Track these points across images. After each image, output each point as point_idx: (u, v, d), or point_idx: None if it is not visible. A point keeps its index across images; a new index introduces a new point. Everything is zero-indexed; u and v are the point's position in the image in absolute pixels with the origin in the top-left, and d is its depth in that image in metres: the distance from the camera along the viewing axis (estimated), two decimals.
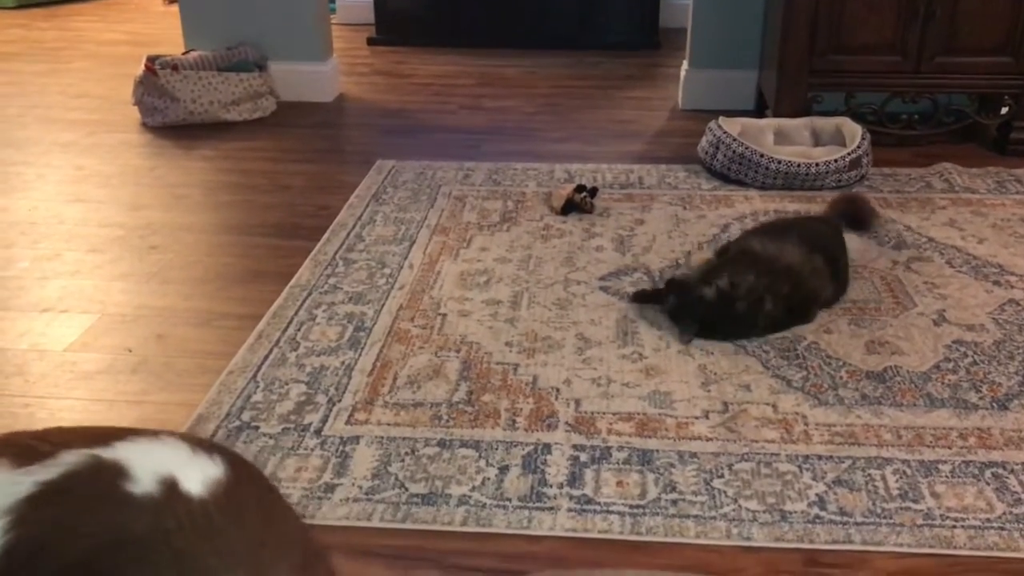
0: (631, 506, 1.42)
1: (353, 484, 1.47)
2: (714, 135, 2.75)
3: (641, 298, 2.02)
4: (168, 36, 4.53)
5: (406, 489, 1.46)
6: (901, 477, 1.48)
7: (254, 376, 1.76)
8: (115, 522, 0.74)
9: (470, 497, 1.44)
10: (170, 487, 0.76)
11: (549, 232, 2.40)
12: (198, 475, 0.78)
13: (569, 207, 2.50)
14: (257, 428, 1.61)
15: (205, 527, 0.75)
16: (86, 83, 3.91)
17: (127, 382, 1.76)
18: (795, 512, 1.40)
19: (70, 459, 0.78)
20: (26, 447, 0.82)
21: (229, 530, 0.76)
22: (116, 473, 0.77)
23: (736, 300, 1.86)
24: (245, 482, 0.83)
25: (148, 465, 0.78)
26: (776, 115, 2.96)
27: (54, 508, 0.75)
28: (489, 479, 1.48)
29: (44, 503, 0.75)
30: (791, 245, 1.99)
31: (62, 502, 0.76)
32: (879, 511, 1.40)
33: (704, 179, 2.76)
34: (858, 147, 2.67)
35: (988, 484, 1.46)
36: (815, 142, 2.85)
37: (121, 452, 0.79)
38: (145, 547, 0.73)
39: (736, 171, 2.69)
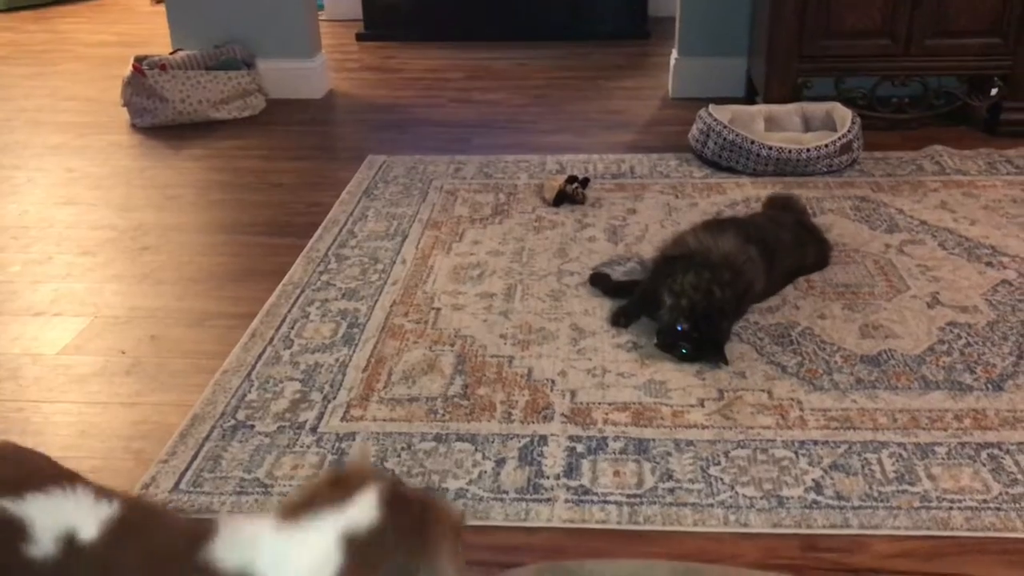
0: (628, 496, 1.42)
1: None
2: (705, 123, 2.74)
3: (604, 287, 2.02)
4: (156, 36, 4.51)
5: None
6: (897, 460, 1.48)
7: (248, 375, 1.76)
8: None
9: (467, 490, 1.44)
10: (68, 542, 0.84)
11: (541, 224, 2.40)
12: (94, 519, 0.86)
13: (561, 198, 2.49)
14: (252, 427, 1.61)
15: (99, 568, 0.84)
16: (75, 85, 3.89)
17: (121, 384, 1.76)
18: (792, 498, 1.41)
19: None
20: None
21: (119, 559, 0.85)
22: (18, 533, 0.83)
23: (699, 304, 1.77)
24: (133, 510, 0.90)
25: (50, 523, 0.85)
26: (766, 101, 2.95)
27: None
28: (486, 472, 1.48)
29: None
30: (728, 237, 1.94)
31: None
32: (876, 495, 1.41)
33: (695, 167, 2.75)
34: (849, 131, 2.67)
35: (984, 465, 1.46)
36: (806, 128, 2.85)
37: (28, 508, 0.85)
38: None
39: (727, 158, 2.69)
